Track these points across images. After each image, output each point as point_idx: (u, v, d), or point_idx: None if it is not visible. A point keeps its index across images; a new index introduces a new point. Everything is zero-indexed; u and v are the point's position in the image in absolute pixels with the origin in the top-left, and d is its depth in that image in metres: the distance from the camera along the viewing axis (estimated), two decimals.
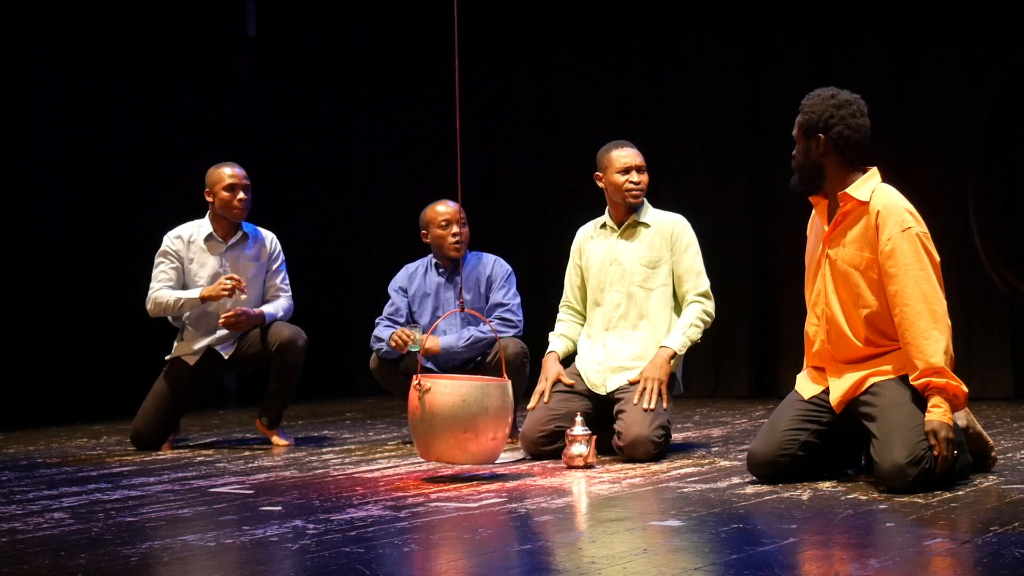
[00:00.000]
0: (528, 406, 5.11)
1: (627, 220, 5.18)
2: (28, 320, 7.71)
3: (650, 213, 5.21)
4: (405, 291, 5.75)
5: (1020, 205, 7.05)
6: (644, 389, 4.90)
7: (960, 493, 3.93)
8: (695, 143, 8.08)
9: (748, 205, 7.88)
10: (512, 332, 5.55)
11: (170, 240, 5.66)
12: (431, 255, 5.76)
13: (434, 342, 5.48)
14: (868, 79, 7.61)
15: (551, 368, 5.16)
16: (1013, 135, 6.96)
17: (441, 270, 5.70)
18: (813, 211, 4.39)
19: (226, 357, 5.65)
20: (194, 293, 5.53)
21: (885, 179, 4.27)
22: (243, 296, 5.55)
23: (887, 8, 7.60)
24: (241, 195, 5.62)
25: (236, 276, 5.50)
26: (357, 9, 9.03)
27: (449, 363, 5.53)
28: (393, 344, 5.43)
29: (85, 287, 7.79)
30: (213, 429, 6.55)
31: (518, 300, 5.65)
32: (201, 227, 5.70)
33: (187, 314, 5.63)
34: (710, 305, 5.13)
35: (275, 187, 9.04)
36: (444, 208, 5.65)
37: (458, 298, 5.44)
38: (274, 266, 5.78)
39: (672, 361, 5.00)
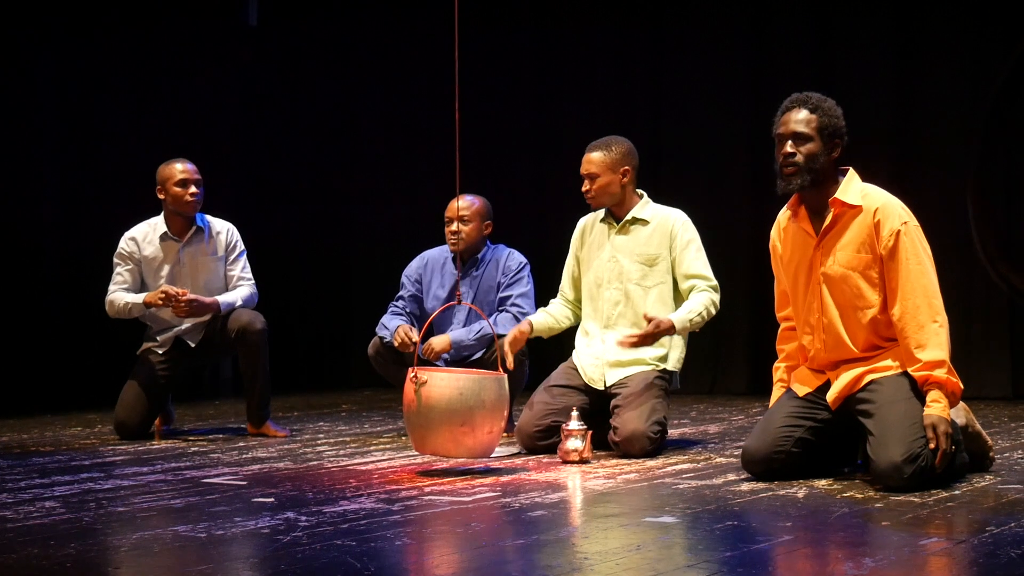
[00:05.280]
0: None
1: (625, 216, 5.15)
2: (23, 307, 7.68)
3: (649, 208, 5.17)
4: (419, 281, 5.72)
5: (1020, 202, 7.03)
6: (641, 333, 4.80)
7: (957, 492, 3.91)
8: (696, 140, 8.05)
9: (748, 201, 7.85)
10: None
11: (124, 242, 5.73)
12: None
13: (443, 342, 5.46)
14: (871, 76, 7.60)
15: (517, 327, 5.08)
16: (1014, 132, 6.93)
17: (457, 264, 5.68)
18: (781, 223, 4.33)
19: (193, 346, 5.72)
20: (140, 298, 5.61)
21: (887, 177, 4.26)
22: (183, 304, 5.52)
23: (891, 5, 7.58)
24: (193, 189, 5.65)
25: (169, 289, 5.51)
26: None
27: (454, 357, 5.51)
28: (397, 342, 5.41)
29: (81, 274, 7.76)
30: (208, 420, 6.54)
31: (529, 291, 5.62)
32: (156, 226, 5.74)
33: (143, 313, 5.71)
34: (718, 297, 5.05)
35: (275, 178, 9.02)
36: (454, 203, 5.63)
37: (457, 291, 5.42)
38: (232, 256, 5.79)
39: (663, 373, 4.97)
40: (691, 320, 4.92)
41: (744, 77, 7.92)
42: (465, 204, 5.60)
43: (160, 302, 5.53)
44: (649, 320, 4.81)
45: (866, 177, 4.30)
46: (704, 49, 8.03)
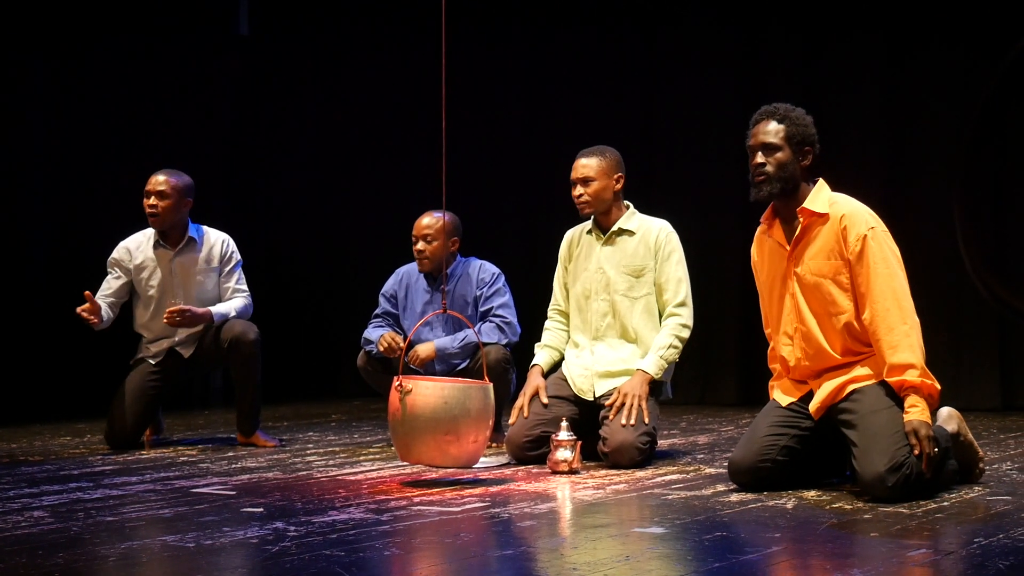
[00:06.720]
0: (509, 421, 5.09)
1: (611, 227, 5.15)
2: (14, 316, 7.67)
3: (635, 219, 5.17)
4: (394, 298, 5.75)
5: (1007, 215, 7.05)
6: (622, 404, 4.88)
7: (945, 504, 3.92)
8: (686, 151, 8.07)
9: (737, 213, 7.87)
10: (507, 337, 5.52)
11: (117, 250, 5.73)
12: None
13: (428, 349, 5.47)
14: (860, 90, 7.62)
15: (532, 382, 5.14)
16: (1000, 144, 6.96)
17: (430, 280, 5.69)
18: (759, 236, 4.37)
19: (186, 356, 5.72)
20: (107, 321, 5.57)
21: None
22: (175, 315, 5.51)
23: (881, 23, 7.61)
24: (153, 200, 5.60)
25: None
26: (350, 8, 9.02)
27: (439, 366, 5.52)
28: (383, 348, 5.43)
29: (71, 283, 7.74)
30: (198, 429, 6.53)
31: (509, 301, 5.62)
32: (150, 235, 5.74)
33: (139, 320, 5.72)
34: (687, 314, 5.08)
35: (265, 187, 9.02)
36: (421, 220, 5.65)
37: (442, 301, 5.43)
38: (227, 268, 5.77)
39: (651, 382, 4.97)
40: (663, 357, 4.99)
41: (735, 91, 7.94)
42: (429, 223, 5.62)
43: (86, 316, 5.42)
44: (624, 394, 4.88)
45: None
46: (696, 64, 8.05)
